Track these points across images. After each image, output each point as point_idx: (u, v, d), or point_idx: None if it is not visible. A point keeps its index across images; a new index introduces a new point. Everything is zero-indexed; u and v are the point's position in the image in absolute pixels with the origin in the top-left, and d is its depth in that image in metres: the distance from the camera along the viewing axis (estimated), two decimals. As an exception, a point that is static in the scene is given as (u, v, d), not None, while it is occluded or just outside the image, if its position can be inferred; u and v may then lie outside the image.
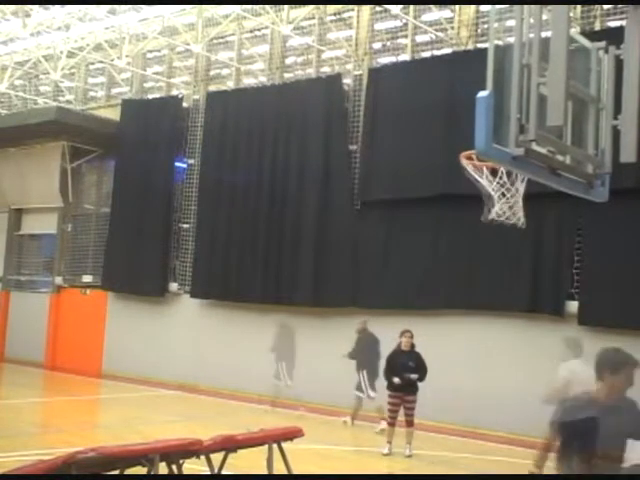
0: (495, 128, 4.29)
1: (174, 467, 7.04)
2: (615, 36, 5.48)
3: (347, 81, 16.64)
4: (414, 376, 11.23)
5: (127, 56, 18.77)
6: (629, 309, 12.34)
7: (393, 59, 16.55)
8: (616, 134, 5.08)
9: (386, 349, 11.72)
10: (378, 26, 16.58)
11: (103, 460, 6.33)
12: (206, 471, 7.50)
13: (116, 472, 6.70)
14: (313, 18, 17.39)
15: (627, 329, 12.50)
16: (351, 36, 16.84)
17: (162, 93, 20.69)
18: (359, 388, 13.59)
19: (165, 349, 18.48)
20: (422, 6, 15.72)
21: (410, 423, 11.36)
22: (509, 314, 13.71)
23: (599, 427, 4.27)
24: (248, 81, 19.09)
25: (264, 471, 7.94)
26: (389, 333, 12.26)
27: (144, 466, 6.62)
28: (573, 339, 9.69)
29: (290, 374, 14.95)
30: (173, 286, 19.02)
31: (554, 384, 8.72)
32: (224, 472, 7.57)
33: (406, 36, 16.13)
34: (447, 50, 15.41)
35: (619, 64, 5.09)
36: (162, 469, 6.83)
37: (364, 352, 13.60)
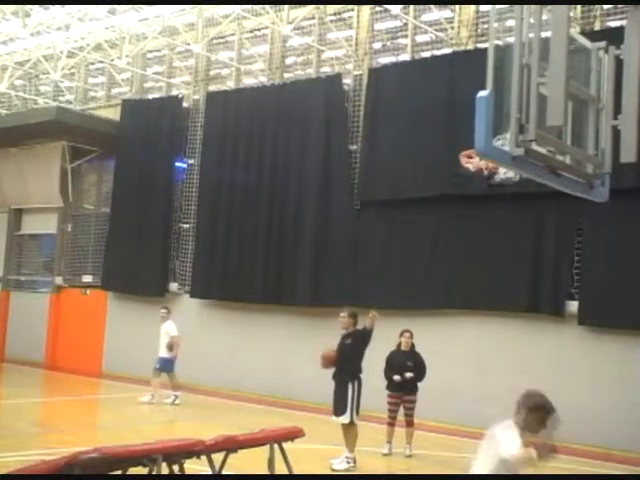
0: (495, 128, 4.30)
1: (175, 467, 7.05)
2: (615, 36, 5.50)
3: (347, 81, 16.64)
4: (409, 375, 11.20)
5: (127, 56, 18.76)
6: (629, 309, 12.35)
7: (393, 59, 16.55)
8: (616, 134, 5.08)
9: (386, 349, 11.70)
10: (378, 26, 16.57)
11: (106, 460, 6.33)
12: (206, 471, 7.50)
13: (118, 472, 6.70)
14: (313, 18, 17.39)
15: (627, 329, 12.54)
16: (351, 36, 16.84)
17: (162, 93, 20.68)
18: None
19: (165, 349, 18.46)
20: (422, 6, 15.72)
21: (410, 423, 11.36)
22: (509, 314, 13.71)
23: None
24: (248, 81, 19.09)
25: (264, 471, 7.95)
26: (389, 333, 12.24)
27: (145, 466, 6.63)
28: (166, 308, 15.95)
29: None
30: (173, 286, 19.01)
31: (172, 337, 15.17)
32: (224, 472, 7.58)
33: (406, 36, 16.13)
34: (447, 50, 15.41)
35: (619, 64, 5.10)
36: (163, 469, 6.83)
37: None
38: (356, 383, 10.22)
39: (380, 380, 11.37)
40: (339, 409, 10.26)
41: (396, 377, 11.22)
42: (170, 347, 15.54)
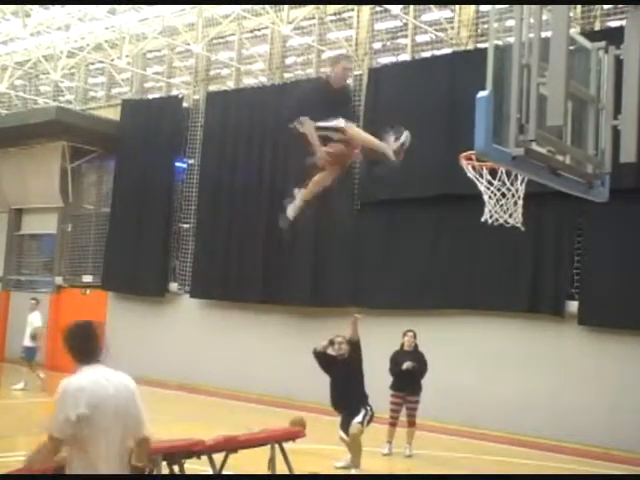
0: (495, 128, 4.30)
1: (175, 467, 7.05)
2: (615, 36, 5.50)
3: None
4: (409, 364, 11.10)
5: (127, 56, 18.77)
6: (629, 309, 12.35)
7: (393, 59, 16.56)
8: (616, 134, 5.08)
9: (386, 349, 11.69)
10: (378, 26, 16.58)
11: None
12: (206, 471, 7.50)
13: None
14: (313, 18, 17.39)
15: (627, 329, 12.54)
16: (351, 36, 16.84)
17: (162, 93, 20.69)
18: None
19: (165, 349, 18.47)
20: (422, 6, 15.72)
21: (412, 423, 11.35)
22: (509, 314, 13.71)
23: None
24: (248, 81, 19.09)
25: (265, 471, 7.95)
26: (389, 333, 12.25)
27: (145, 466, 6.62)
28: (35, 299, 17.53)
29: None
30: (173, 286, 19.02)
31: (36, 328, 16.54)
32: (225, 472, 7.58)
33: (406, 36, 16.13)
34: (447, 50, 15.42)
35: (619, 64, 5.10)
36: (163, 469, 6.83)
37: None
38: (368, 409, 9.83)
39: (381, 380, 11.36)
40: (349, 420, 9.79)
41: (406, 364, 11.11)
42: (34, 337, 16.99)
